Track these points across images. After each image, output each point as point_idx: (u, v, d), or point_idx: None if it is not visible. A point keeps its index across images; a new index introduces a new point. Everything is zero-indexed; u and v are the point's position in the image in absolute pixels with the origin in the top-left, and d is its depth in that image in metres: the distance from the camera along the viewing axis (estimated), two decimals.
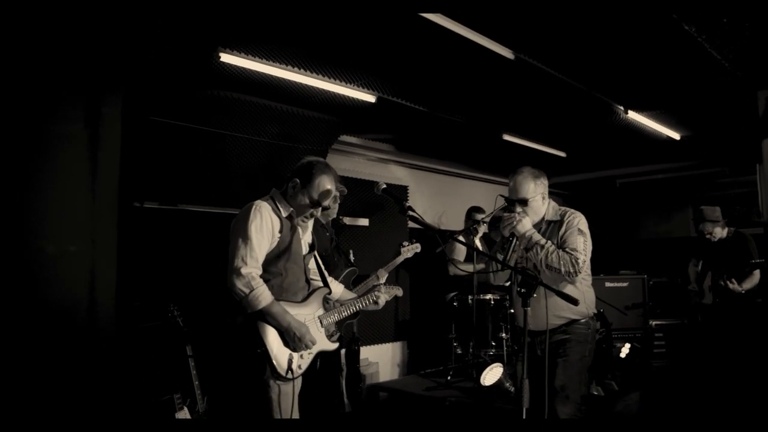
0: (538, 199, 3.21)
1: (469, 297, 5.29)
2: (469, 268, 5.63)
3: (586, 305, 3.19)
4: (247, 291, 2.72)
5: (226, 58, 3.87)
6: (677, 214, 8.36)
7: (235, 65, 3.99)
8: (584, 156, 7.21)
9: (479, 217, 5.77)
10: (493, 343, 5.28)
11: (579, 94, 4.76)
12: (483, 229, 6.06)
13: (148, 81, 4.11)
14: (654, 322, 6.91)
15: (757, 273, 5.21)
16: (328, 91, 4.58)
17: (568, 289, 3.05)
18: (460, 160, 7.29)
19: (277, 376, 2.82)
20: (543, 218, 3.27)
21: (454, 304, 5.50)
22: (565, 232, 3.13)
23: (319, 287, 3.21)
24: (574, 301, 2.39)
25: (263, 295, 2.76)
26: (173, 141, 4.50)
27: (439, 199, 7.20)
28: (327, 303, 3.23)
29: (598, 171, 8.15)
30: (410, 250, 4.73)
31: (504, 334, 5.24)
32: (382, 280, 4.47)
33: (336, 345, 3.21)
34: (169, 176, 4.54)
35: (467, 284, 5.60)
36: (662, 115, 5.42)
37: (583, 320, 3.20)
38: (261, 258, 2.83)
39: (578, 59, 4.14)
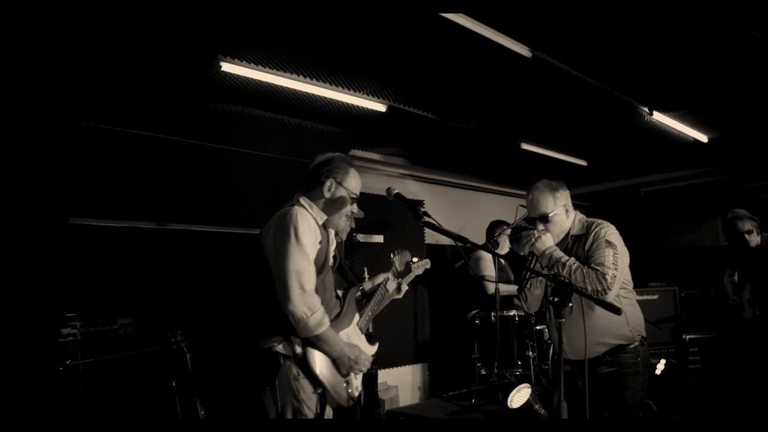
0: (560, 213, 2.90)
1: (492, 314, 4.99)
2: (504, 285, 5.36)
3: (630, 327, 2.84)
4: (309, 313, 2.41)
5: (227, 67, 3.69)
6: (706, 222, 7.98)
7: (238, 75, 3.81)
8: (606, 164, 6.92)
9: (502, 229, 5.50)
10: (520, 363, 4.96)
11: (601, 95, 4.50)
12: (506, 243, 5.78)
13: (144, 94, 3.96)
14: (688, 336, 6.54)
15: None
16: (337, 101, 4.39)
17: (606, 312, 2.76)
18: (477, 173, 7.04)
19: (338, 407, 2.60)
20: (569, 233, 2.95)
21: (476, 321, 5.20)
22: (591, 245, 2.81)
23: (349, 290, 2.95)
24: (616, 310, 2.11)
25: (324, 319, 2.48)
26: (175, 158, 4.33)
27: (457, 214, 6.93)
28: (359, 304, 3.01)
29: (621, 180, 7.85)
30: (420, 266, 4.42)
31: (530, 353, 4.92)
32: (402, 293, 4.20)
33: (376, 346, 2.98)
34: (171, 195, 4.36)
35: (490, 300, 5.31)
36: (689, 115, 5.13)
37: (630, 346, 2.84)
38: (315, 270, 2.54)
39: (599, 56, 3.89)
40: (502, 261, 5.76)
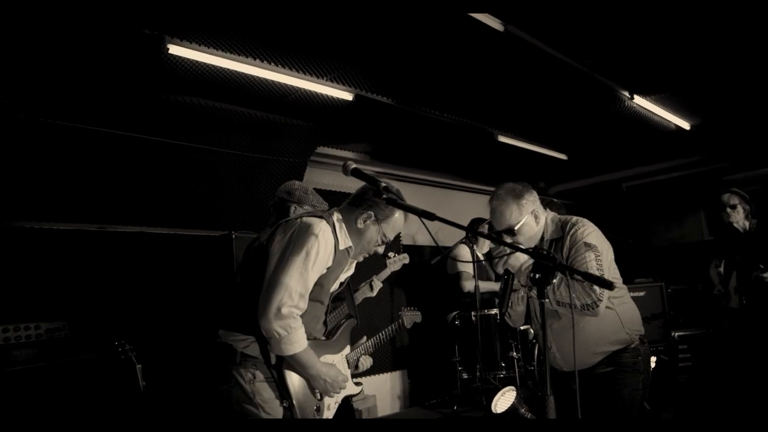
0: (527, 221, 2.57)
1: (472, 313, 4.69)
2: (484, 283, 5.10)
3: (626, 329, 2.56)
4: (283, 333, 2.20)
5: (176, 50, 3.38)
6: (689, 217, 7.81)
7: (189, 59, 3.50)
8: (587, 157, 6.68)
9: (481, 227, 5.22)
10: (503, 364, 4.66)
11: (580, 78, 4.26)
12: (486, 242, 5.51)
13: (85, 83, 3.62)
14: (677, 334, 6.32)
15: None
16: (300, 90, 4.10)
17: (599, 316, 2.47)
18: (453, 170, 6.76)
19: None
20: (543, 238, 2.64)
21: (456, 323, 4.89)
22: (570, 251, 2.52)
23: (347, 321, 2.71)
24: (608, 285, 1.81)
25: (300, 341, 2.26)
26: (125, 155, 4.00)
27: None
28: (353, 338, 2.78)
29: (602, 175, 7.63)
30: (397, 261, 4.15)
31: (514, 353, 4.63)
32: (375, 292, 3.93)
33: (360, 388, 2.72)
34: (125, 195, 4.03)
35: (469, 300, 5.02)
36: (671, 99, 4.91)
37: (630, 346, 2.56)
38: (308, 294, 2.30)
39: (576, 34, 3.66)
40: (482, 258, 5.49)
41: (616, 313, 2.54)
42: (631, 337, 2.57)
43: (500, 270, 2.53)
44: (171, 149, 4.23)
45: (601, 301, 2.37)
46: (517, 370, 4.57)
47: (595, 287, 2.36)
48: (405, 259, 4.26)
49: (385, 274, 4.12)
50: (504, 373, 4.64)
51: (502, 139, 5.61)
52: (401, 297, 5.81)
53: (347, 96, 4.25)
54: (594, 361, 2.56)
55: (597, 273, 2.39)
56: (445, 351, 5.10)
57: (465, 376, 4.75)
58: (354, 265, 2.64)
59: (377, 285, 3.98)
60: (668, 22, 3.53)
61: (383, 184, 2.23)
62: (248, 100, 4.28)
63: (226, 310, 2.40)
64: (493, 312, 4.77)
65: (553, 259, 1.82)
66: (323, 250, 2.28)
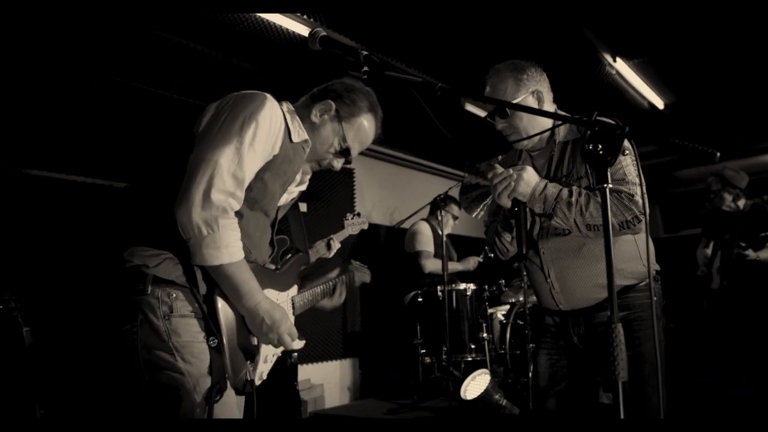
0: (527, 101, 2.01)
1: (439, 288, 4.16)
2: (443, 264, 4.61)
3: (643, 260, 2.04)
4: (206, 231, 1.52)
5: None
6: None
7: None
8: None
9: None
10: (473, 346, 4.13)
11: (563, 35, 3.86)
12: (450, 222, 5.03)
13: None
14: None
15: None
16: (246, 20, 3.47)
17: (621, 243, 2.00)
18: (412, 145, 6.23)
19: (221, 388, 1.60)
20: (553, 139, 2.09)
21: (419, 300, 4.35)
22: None
23: (298, 255, 2.06)
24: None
25: (232, 248, 1.58)
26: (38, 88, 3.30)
27: (390, 191, 6.14)
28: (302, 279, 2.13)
29: None
30: (355, 224, 3.74)
31: (485, 334, 4.11)
32: (332, 252, 3.45)
33: (303, 342, 2.06)
34: (30, 136, 3.33)
35: (431, 281, 4.50)
36: (653, 66, 4.56)
37: (642, 284, 2.03)
38: (248, 181, 1.65)
39: None
40: (444, 236, 5.01)
41: (634, 240, 2.03)
42: (646, 269, 2.04)
43: (506, 203, 1.98)
44: (92, 83, 3.55)
45: (643, 214, 1.85)
46: (487, 352, 4.05)
47: (636, 197, 1.85)
48: (364, 224, 3.84)
49: (343, 235, 3.66)
50: (472, 356, 4.11)
51: (470, 108, 5.13)
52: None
53: (302, 30, 3.67)
54: (599, 296, 2.02)
55: (636, 181, 1.90)
56: (403, 335, 4.55)
57: (428, 360, 4.20)
58: (308, 178, 2.02)
59: (335, 245, 3.53)
60: None
61: (365, 53, 1.63)
62: (187, 28, 3.61)
63: (133, 218, 1.71)
64: (461, 287, 4.24)
65: (618, 124, 1.30)
66: (268, 125, 1.65)
